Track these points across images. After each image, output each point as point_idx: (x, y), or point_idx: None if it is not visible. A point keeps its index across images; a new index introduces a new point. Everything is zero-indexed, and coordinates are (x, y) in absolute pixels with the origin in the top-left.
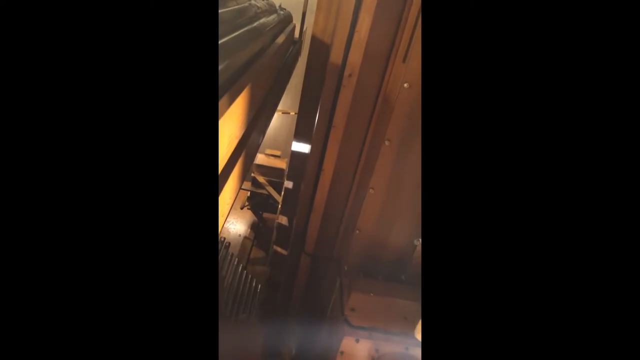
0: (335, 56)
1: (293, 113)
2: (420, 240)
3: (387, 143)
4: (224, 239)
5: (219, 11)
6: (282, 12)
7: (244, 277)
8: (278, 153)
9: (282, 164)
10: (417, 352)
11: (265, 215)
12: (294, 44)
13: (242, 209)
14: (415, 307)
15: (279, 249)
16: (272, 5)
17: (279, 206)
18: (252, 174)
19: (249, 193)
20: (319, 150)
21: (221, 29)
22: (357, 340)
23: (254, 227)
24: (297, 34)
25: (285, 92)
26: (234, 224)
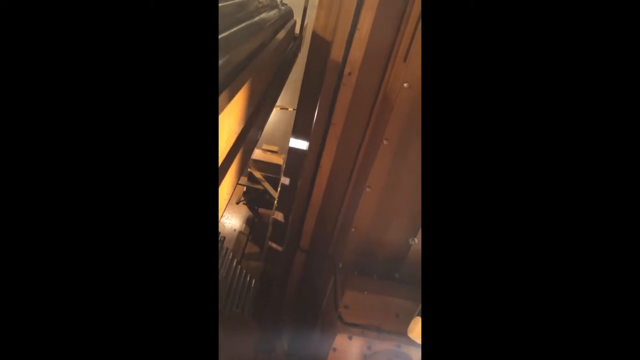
0: (336, 54)
1: (291, 109)
2: (416, 239)
3: (385, 142)
4: (219, 233)
5: (220, 4)
6: (283, 8)
7: (238, 272)
8: (275, 149)
9: (279, 160)
10: (409, 350)
11: (261, 210)
12: (295, 40)
13: (237, 203)
14: (409, 305)
15: (274, 245)
16: (273, 0)
17: (275, 202)
18: (249, 169)
19: (245, 188)
20: (317, 147)
21: (221, 23)
22: (350, 338)
23: (249, 222)
24: (297, 29)
25: (284, 88)
26: (229, 219)
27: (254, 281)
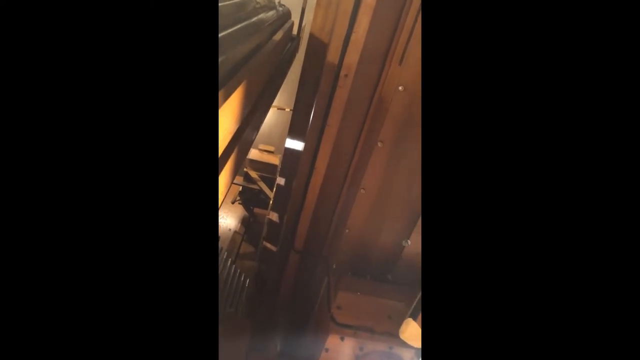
0: (332, 56)
1: (288, 109)
2: (409, 241)
3: (379, 144)
4: None
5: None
6: (281, 9)
7: (232, 271)
8: (272, 149)
9: (275, 160)
10: (401, 351)
11: (256, 210)
12: (292, 41)
13: (233, 203)
14: (401, 307)
15: (268, 245)
16: (271, 1)
17: (271, 202)
18: (245, 169)
19: (240, 187)
20: (313, 149)
21: (219, 23)
22: (342, 338)
23: (244, 221)
24: (295, 30)
25: (281, 88)
26: (224, 218)
27: (248, 281)
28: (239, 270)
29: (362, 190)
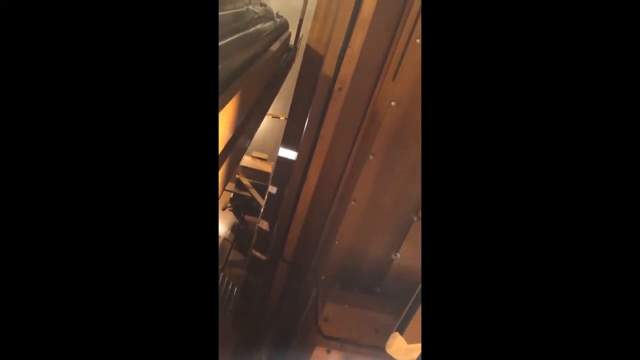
0: (327, 68)
1: (283, 118)
2: (398, 254)
3: (371, 157)
4: None
5: None
6: (278, 20)
7: (220, 279)
8: (265, 156)
9: (268, 168)
10: None
11: (247, 218)
12: (289, 51)
13: (223, 210)
14: (388, 320)
15: (257, 254)
16: (269, 12)
17: (262, 210)
18: (237, 176)
19: (232, 194)
20: (305, 159)
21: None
22: (329, 351)
23: (234, 229)
24: (292, 40)
25: (277, 96)
26: None
27: (236, 289)
28: (227, 278)
29: (352, 202)
